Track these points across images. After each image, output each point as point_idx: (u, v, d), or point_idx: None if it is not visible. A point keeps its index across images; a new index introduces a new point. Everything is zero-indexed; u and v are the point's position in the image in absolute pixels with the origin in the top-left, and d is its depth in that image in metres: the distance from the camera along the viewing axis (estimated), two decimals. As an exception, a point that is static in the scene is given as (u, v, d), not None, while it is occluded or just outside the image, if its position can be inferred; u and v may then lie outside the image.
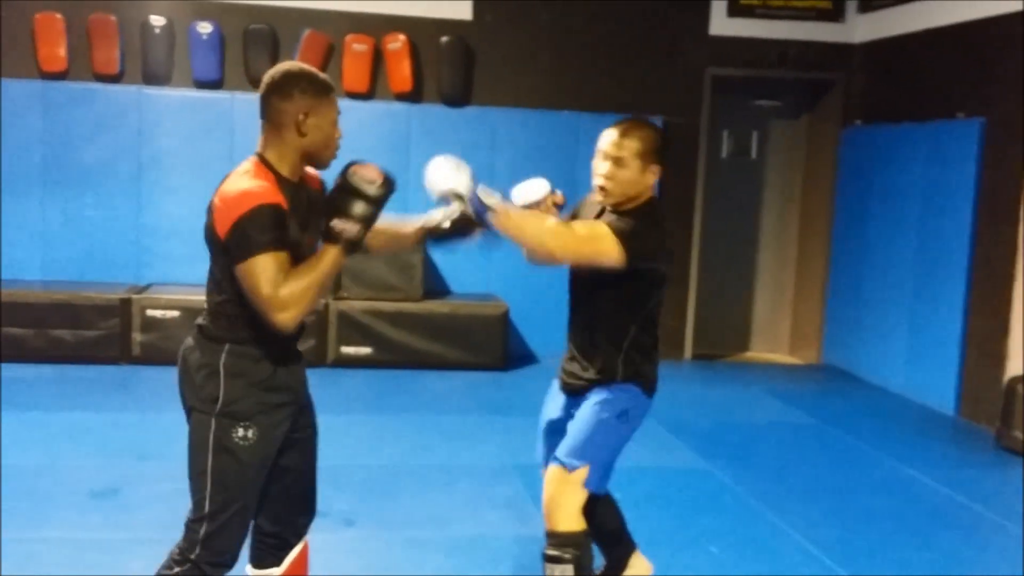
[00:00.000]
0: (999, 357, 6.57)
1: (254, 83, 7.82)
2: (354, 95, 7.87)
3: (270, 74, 2.61)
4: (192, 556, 2.58)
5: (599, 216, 3.17)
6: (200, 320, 2.66)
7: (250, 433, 2.56)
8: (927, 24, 7.41)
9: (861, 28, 8.34)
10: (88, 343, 7.11)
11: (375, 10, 7.87)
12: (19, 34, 7.52)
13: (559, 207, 3.25)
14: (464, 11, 8.01)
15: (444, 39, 7.89)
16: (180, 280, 7.61)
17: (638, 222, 3.05)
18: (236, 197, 2.47)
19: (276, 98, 2.56)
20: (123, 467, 4.91)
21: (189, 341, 2.67)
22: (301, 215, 2.60)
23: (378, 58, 7.87)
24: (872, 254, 7.93)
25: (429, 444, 5.65)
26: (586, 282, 3.18)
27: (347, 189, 2.54)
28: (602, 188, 3.14)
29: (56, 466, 4.83)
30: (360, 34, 7.79)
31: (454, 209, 2.83)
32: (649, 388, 3.24)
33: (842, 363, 8.34)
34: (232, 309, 2.57)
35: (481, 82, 8.10)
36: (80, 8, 7.51)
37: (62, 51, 7.52)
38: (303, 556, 2.88)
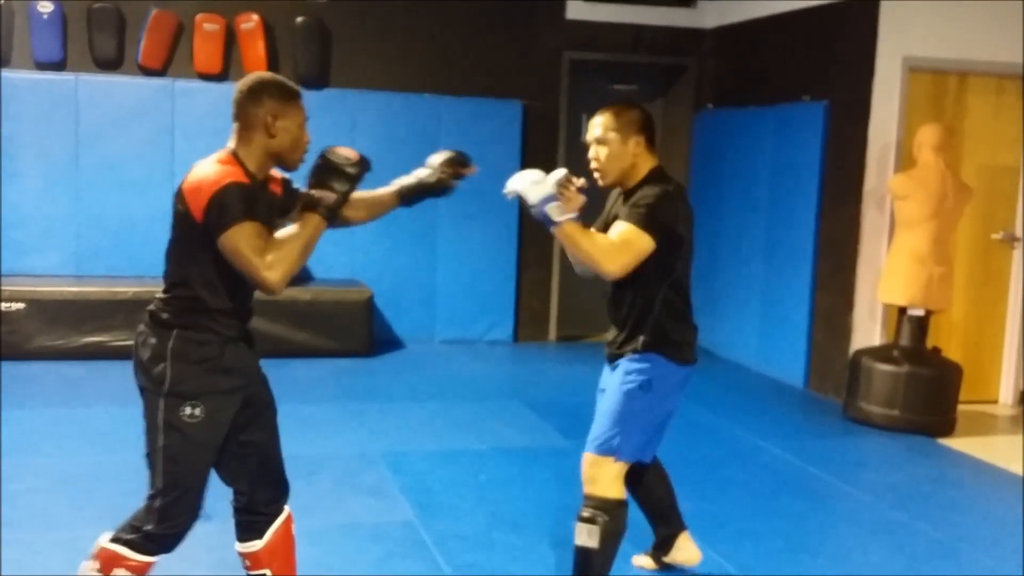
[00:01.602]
0: (844, 331, 6.89)
1: (100, 64, 7.52)
2: (206, 76, 7.64)
3: (243, 81, 2.82)
4: (146, 527, 2.76)
5: (621, 200, 3.30)
6: (151, 306, 2.80)
7: (197, 411, 2.72)
8: (773, 10, 7.67)
9: (712, 14, 8.56)
10: (-75, 338, 6.73)
11: (227, -11, 7.68)
12: None
13: (582, 190, 3.30)
14: (320, -8, 7.88)
15: (299, 19, 7.74)
16: (26, 271, 7.27)
17: (651, 202, 3.16)
18: (207, 178, 2.64)
19: (247, 102, 2.77)
20: (-33, 468, 4.68)
21: (141, 327, 2.80)
22: (263, 214, 2.73)
23: (231, 38, 7.66)
24: (725, 234, 8.17)
25: (293, 433, 5.51)
26: None
27: (326, 166, 2.78)
28: (596, 171, 3.29)
29: None
30: (211, 13, 7.56)
31: (427, 172, 3.18)
32: (677, 355, 3.40)
33: (699, 340, 8.55)
34: (184, 292, 2.73)
35: (339, 64, 7.98)
36: (-93, -17, 7.09)
37: None
38: (287, 527, 3.10)
